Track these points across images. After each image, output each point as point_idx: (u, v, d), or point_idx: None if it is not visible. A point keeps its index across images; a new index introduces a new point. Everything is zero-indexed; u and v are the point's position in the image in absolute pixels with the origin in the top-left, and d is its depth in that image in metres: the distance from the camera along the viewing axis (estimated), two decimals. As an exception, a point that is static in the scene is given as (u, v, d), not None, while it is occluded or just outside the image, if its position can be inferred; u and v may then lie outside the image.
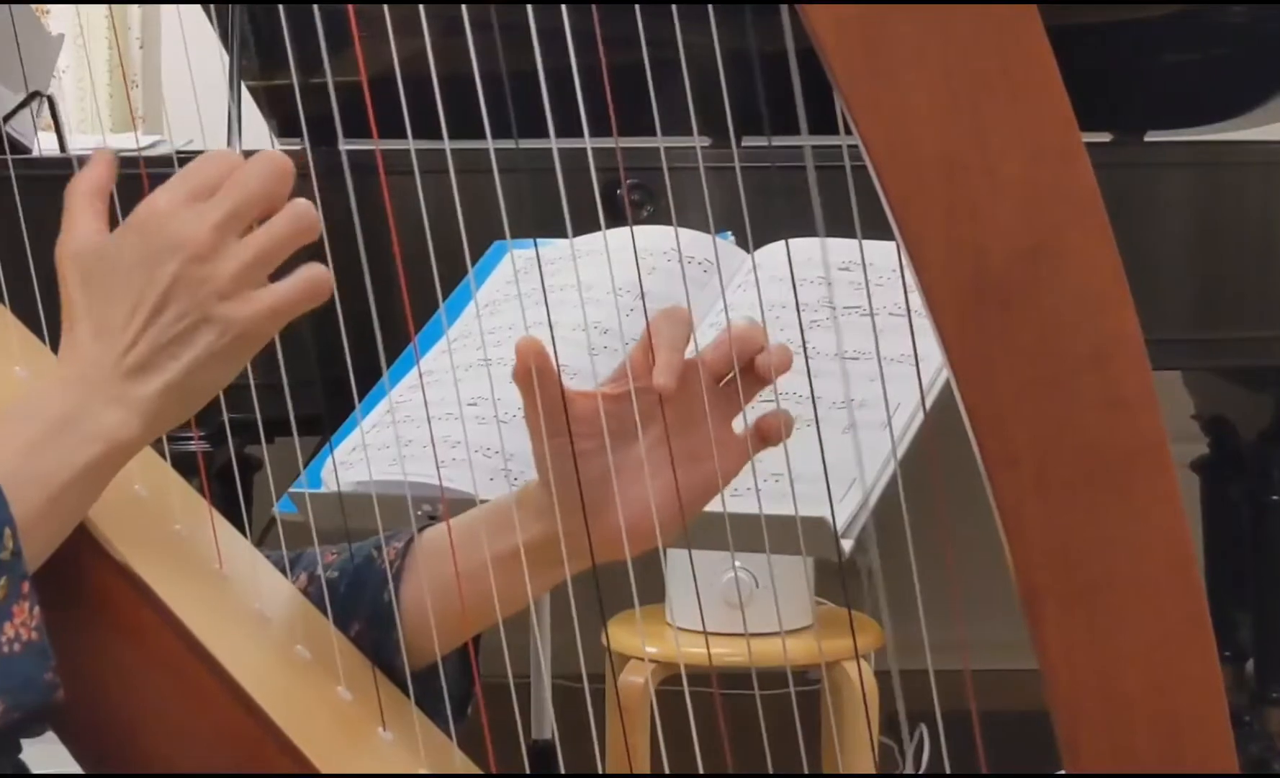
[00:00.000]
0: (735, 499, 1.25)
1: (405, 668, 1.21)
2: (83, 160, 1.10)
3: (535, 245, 1.65)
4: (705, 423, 1.19)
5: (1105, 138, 2.95)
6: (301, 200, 1.06)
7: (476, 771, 1.18)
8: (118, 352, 1.04)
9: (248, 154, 1.07)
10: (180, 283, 1.03)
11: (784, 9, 0.94)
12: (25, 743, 1.09)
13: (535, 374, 1.15)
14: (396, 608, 1.22)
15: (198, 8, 2.98)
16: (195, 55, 2.78)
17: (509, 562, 1.20)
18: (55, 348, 1.23)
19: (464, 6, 1.12)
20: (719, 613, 2.49)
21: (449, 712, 1.21)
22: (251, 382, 1.13)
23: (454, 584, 1.20)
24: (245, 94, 2.88)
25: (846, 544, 1.48)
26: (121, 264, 1.04)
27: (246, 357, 1.06)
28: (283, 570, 1.25)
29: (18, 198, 1.28)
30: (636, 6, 1.15)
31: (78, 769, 1.11)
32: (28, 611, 1.01)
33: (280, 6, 1.21)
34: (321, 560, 1.26)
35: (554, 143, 1.12)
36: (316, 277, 1.06)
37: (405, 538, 1.26)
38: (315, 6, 1.15)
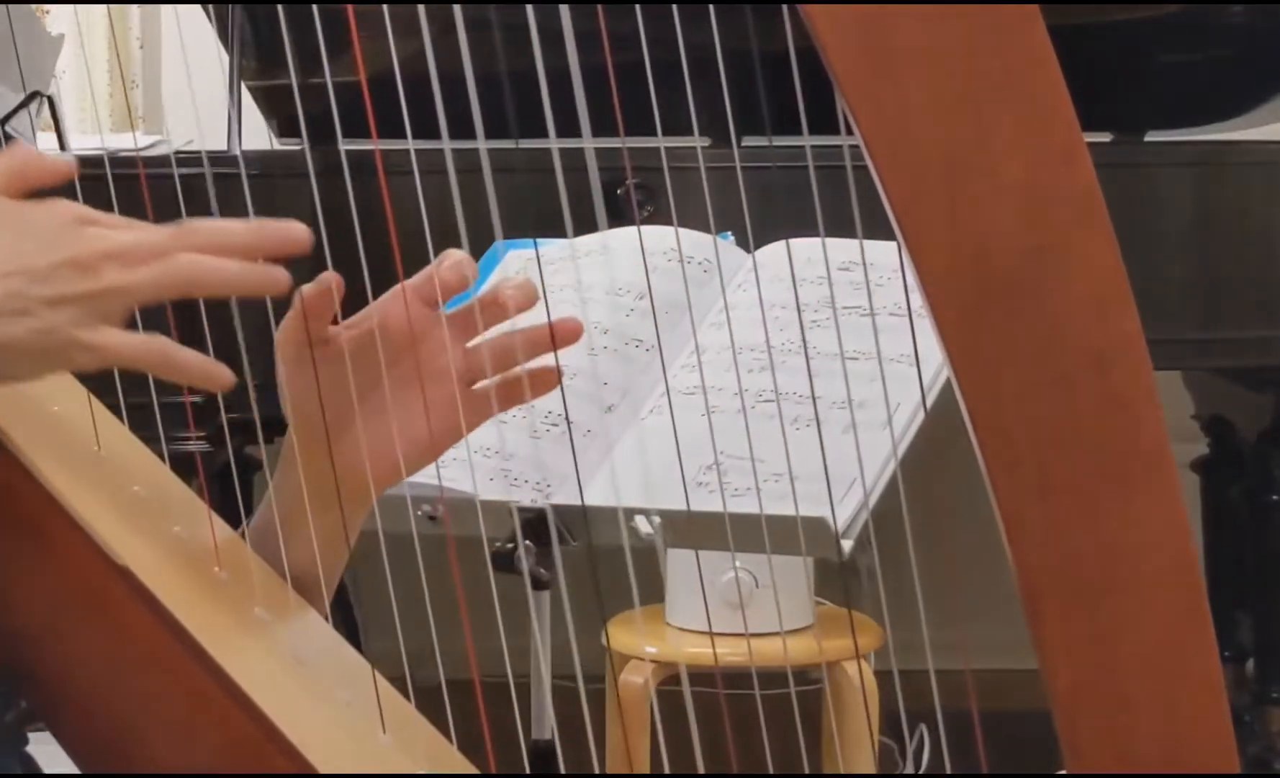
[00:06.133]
0: (735, 499, 1.25)
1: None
2: (82, 161, 1.10)
3: (535, 245, 1.65)
4: (448, 377, 1.17)
5: (1106, 138, 2.95)
6: (186, 258, 1.02)
7: (475, 772, 1.18)
8: None
9: (248, 154, 1.06)
10: (37, 273, 0.99)
11: (785, 8, 0.94)
12: (30, 736, 1.09)
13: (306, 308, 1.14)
14: None
15: (198, 8, 2.98)
16: (195, 55, 2.77)
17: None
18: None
19: (463, 7, 1.12)
20: (719, 613, 2.50)
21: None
22: (250, 382, 1.12)
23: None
24: (245, 94, 2.88)
25: (846, 544, 1.48)
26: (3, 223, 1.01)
27: (50, 370, 1.03)
28: None
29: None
30: (637, 6, 1.15)
31: (79, 769, 1.11)
32: None
33: (280, 7, 1.20)
34: None
35: (554, 143, 1.12)
36: (158, 349, 1.02)
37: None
38: (314, 7, 1.14)
